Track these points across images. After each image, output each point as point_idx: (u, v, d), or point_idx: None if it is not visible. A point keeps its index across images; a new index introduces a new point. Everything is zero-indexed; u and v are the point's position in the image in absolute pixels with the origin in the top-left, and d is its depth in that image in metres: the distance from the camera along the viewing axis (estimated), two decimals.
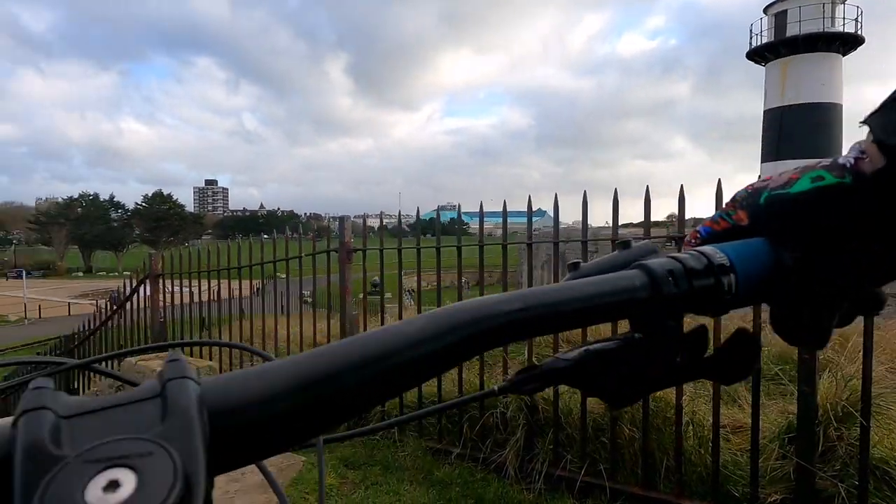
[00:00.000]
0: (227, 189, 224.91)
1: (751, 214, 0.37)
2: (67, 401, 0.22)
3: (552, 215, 2.91)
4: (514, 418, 2.96)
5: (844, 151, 0.35)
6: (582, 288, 0.31)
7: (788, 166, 0.39)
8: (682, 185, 2.60)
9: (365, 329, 3.72)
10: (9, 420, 0.21)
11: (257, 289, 4.73)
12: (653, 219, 2.68)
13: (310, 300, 4.46)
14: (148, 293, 5.09)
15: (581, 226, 2.84)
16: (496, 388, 0.36)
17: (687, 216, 2.60)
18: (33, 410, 0.21)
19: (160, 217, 62.66)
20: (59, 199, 69.85)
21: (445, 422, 3.20)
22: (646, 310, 0.32)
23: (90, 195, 64.71)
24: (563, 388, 2.79)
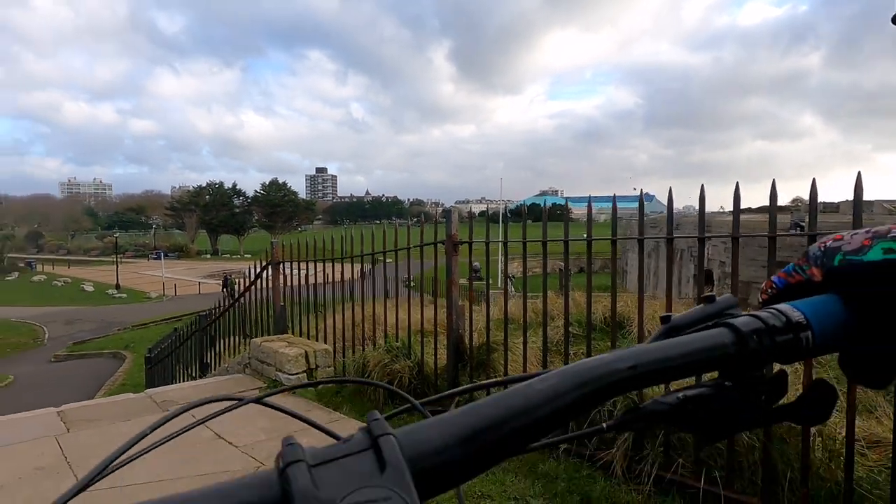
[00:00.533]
0: (335, 176, 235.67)
1: (825, 273, 0.41)
2: (312, 452, 0.28)
3: (661, 201, 2.77)
4: None
5: None
6: (682, 346, 0.37)
7: None
8: (813, 180, 2.37)
9: (471, 317, 3.81)
10: (272, 472, 0.27)
11: (365, 273, 4.95)
12: (777, 203, 2.49)
13: (412, 284, 4.64)
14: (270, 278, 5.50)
15: (693, 213, 2.69)
16: (605, 425, 0.41)
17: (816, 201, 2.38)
18: (295, 462, 0.27)
19: (276, 204, 66.94)
20: (190, 188, 76.82)
21: None
22: (734, 362, 0.38)
23: (216, 184, 70.44)
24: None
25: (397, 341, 4.14)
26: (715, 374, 0.39)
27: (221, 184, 70.58)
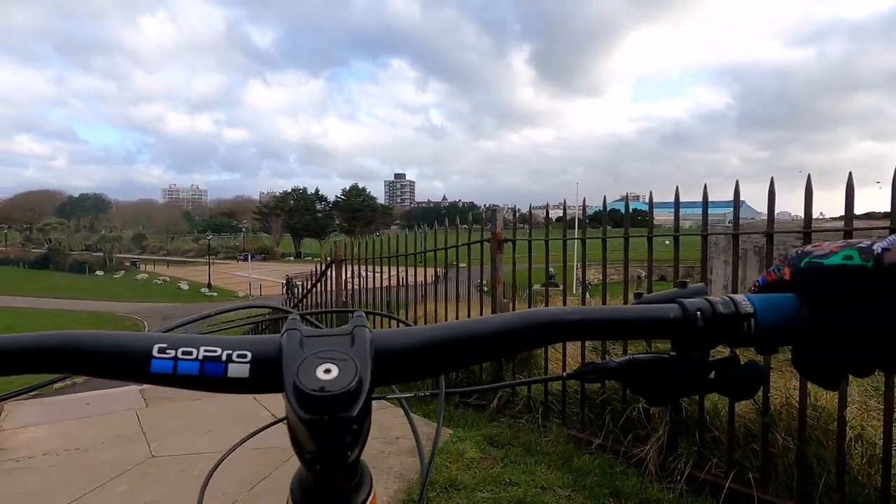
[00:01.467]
0: (413, 182, 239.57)
1: (792, 273, 0.44)
2: (305, 329, 0.39)
3: (751, 206, 2.65)
4: (658, 414, 2.88)
5: None
6: (629, 312, 0.43)
7: None
8: (895, 171, 2.15)
9: None
10: (276, 336, 0.39)
11: (439, 276, 5.09)
12: (882, 209, 2.25)
13: (485, 288, 4.75)
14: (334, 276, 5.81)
15: (787, 219, 2.63)
16: (564, 374, 0.49)
17: None
18: (291, 330, 0.38)
19: (355, 208, 69.19)
20: (277, 193, 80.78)
21: (588, 412, 3.22)
22: (678, 335, 0.43)
23: (300, 189, 73.81)
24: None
25: None
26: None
27: (305, 189, 73.89)
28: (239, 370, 0.37)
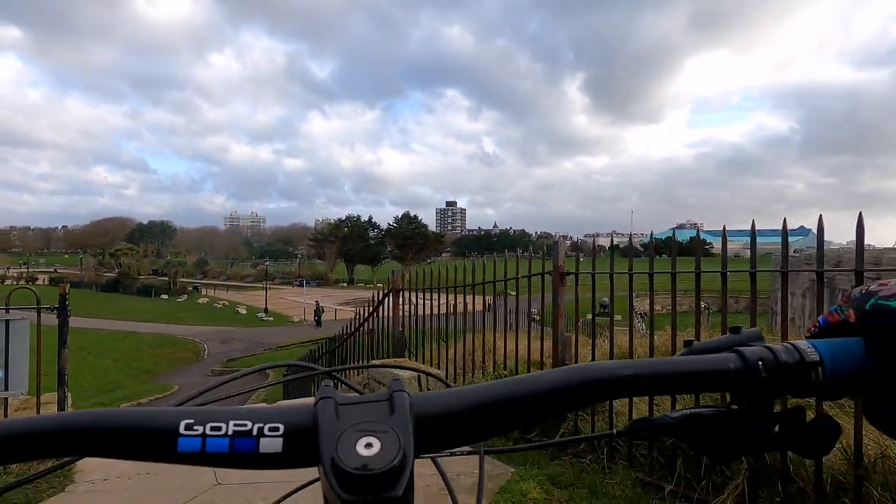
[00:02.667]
0: (464, 209, 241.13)
1: (858, 315, 0.42)
2: (342, 396, 0.37)
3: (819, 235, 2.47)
4: (736, 461, 2.72)
5: None
6: (685, 364, 0.40)
7: None
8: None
9: (576, 350, 3.78)
10: (310, 401, 0.37)
11: (489, 305, 5.08)
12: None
13: (537, 318, 4.68)
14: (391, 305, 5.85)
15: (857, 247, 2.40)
16: (615, 431, 0.46)
17: None
18: (326, 398, 0.36)
19: (407, 236, 70.04)
20: (331, 221, 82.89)
21: (657, 455, 3.08)
22: (739, 387, 0.40)
23: (354, 217, 75.48)
24: None
25: (505, 369, 4.21)
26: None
27: (359, 217, 75.54)
28: (272, 445, 0.34)
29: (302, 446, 0.35)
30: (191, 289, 60.73)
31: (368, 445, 0.32)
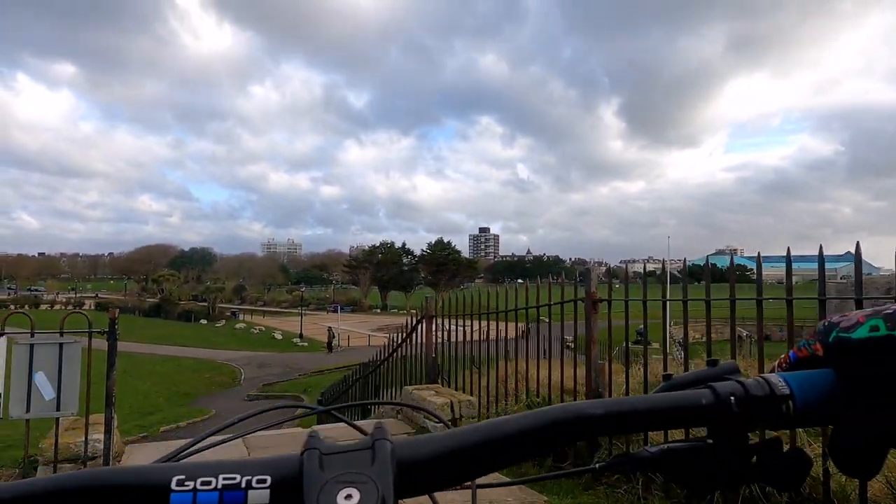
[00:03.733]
0: (497, 235, 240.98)
1: (824, 348, 0.43)
2: (327, 445, 0.38)
3: (867, 260, 2.43)
4: (776, 493, 2.65)
5: None
6: (656, 401, 0.41)
7: None
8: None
9: (610, 377, 3.75)
10: (296, 456, 0.38)
11: (523, 332, 5.06)
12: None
13: (571, 345, 4.65)
14: (424, 331, 5.90)
15: None
16: (596, 465, 0.46)
17: None
18: (311, 450, 0.37)
19: (440, 262, 70.20)
20: (366, 247, 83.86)
21: None
22: (712, 422, 0.41)
23: (388, 243, 76.24)
24: (834, 469, 2.41)
25: (538, 397, 4.19)
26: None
27: (392, 243, 76.26)
28: (259, 497, 0.35)
29: (288, 497, 0.36)
30: (229, 314, 61.92)
31: (348, 497, 0.34)
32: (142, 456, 3.88)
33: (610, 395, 3.64)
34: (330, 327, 39.02)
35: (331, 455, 0.37)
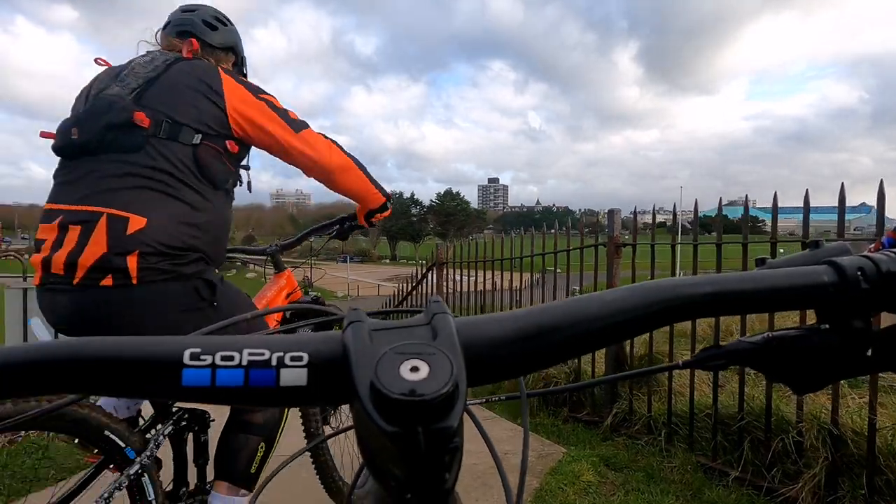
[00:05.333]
0: (506, 186, 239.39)
1: None
2: (372, 321, 0.31)
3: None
4: (813, 448, 2.49)
5: None
6: (770, 279, 0.34)
7: None
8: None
9: None
10: (337, 333, 0.31)
11: (537, 280, 4.87)
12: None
13: (579, 292, 4.51)
14: (435, 279, 5.73)
15: None
16: (681, 362, 0.40)
17: None
18: (356, 322, 0.30)
19: (449, 213, 70.00)
20: None
21: (721, 438, 2.87)
22: (831, 303, 0.34)
23: (397, 194, 75.81)
24: (882, 421, 2.24)
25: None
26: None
27: (401, 194, 75.84)
28: (294, 377, 0.29)
29: (330, 379, 0.30)
30: (239, 264, 62.39)
31: (415, 369, 0.27)
32: None
33: (631, 347, 3.48)
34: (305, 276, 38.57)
35: (381, 331, 0.31)
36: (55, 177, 1.41)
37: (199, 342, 0.30)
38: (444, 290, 5.62)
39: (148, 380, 0.29)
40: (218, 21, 1.62)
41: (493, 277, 4.87)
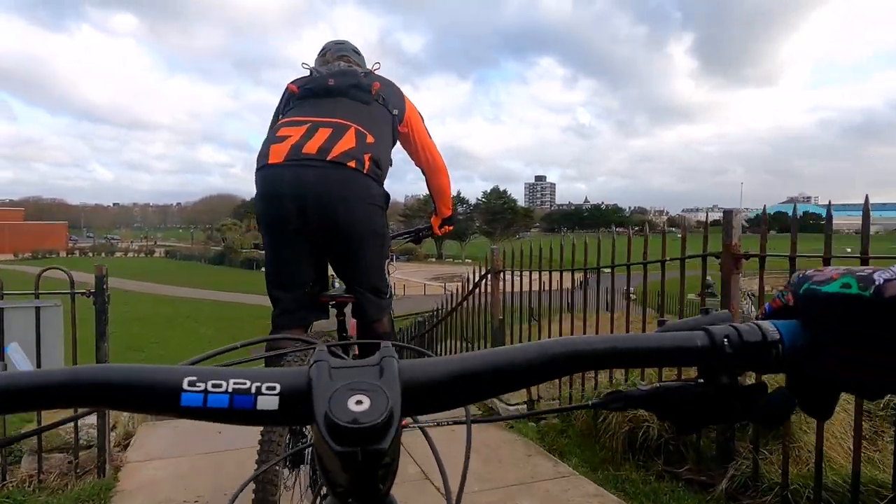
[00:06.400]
0: (553, 184, 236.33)
1: (795, 299, 0.45)
2: (333, 360, 0.38)
3: None
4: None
5: None
6: (657, 340, 0.43)
7: None
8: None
9: None
10: (305, 368, 0.38)
11: (580, 282, 4.54)
12: None
13: (634, 297, 4.10)
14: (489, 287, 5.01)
15: None
16: (591, 402, 0.48)
17: None
18: (320, 361, 0.38)
19: (496, 211, 69.10)
20: (420, 196, 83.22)
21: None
22: (706, 363, 0.42)
23: None
24: None
25: (643, 378, 3.25)
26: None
27: None
28: (268, 402, 0.37)
29: (297, 405, 0.37)
30: None
31: (359, 402, 0.34)
32: (154, 440, 3.23)
33: None
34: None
35: (339, 369, 0.37)
36: (293, 107, 2.02)
37: (196, 372, 0.37)
38: (501, 301, 4.88)
39: (155, 399, 0.37)
40: (356, 52, 2.36)
41: (540, 278, 4.24)
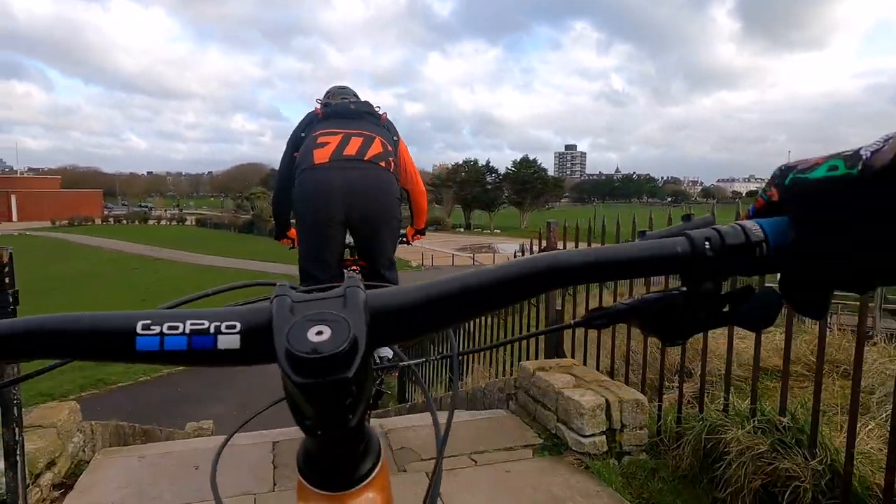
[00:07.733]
0: (584, 153, 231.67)
1: (780, 193, 0.41)
2: (298, 294, 0.37)
3: None
4: None
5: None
6: (634, 248, 0.40)
7: None
8: None
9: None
10: (266, 304, 0.37)
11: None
12: None
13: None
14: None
15: None
16: (572, 322, 0.46)
17: None
18: (281, 296, 0.36)
19: (525, 181, 67.64)
20: (449, 165, 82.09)
21: None
22: (687, 269, 0.39)
23: (471, 161, 74.03)
24: None
25: (783, 416, 2.26)
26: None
27: (476, 161, 73.93)
28: (229, 341, 0.35)
29: (259, 342, 0.35)
30: None
31: (319, 333, 0.33)
32: (106, 481, 2.46)
33: None
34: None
35: (301, 302, 0.36)
36: (322, 125, 2.50)
37: (150, 315, 0.36)
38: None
39: (108, 346, 0.35)
40: (356, 96, 2.84)
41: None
